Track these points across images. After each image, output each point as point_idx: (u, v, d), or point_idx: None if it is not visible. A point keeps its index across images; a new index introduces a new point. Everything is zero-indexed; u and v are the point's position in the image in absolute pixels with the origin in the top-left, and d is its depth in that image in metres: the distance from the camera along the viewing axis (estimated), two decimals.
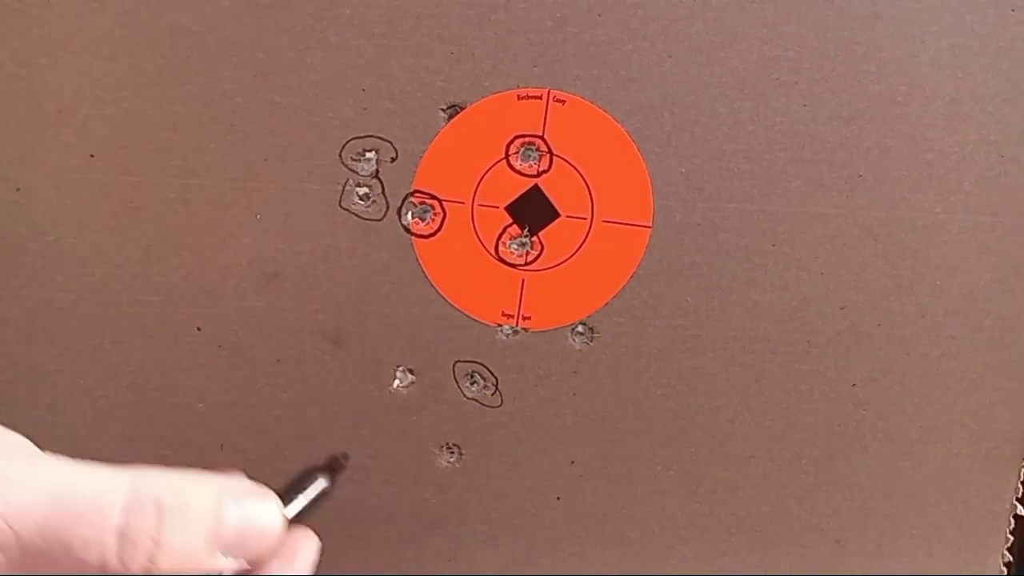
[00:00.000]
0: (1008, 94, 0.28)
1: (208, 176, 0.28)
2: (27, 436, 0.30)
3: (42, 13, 0.26)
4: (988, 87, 0.28)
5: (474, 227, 0.29)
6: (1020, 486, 0.32)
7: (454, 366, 0.30)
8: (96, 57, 0.27)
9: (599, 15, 0.27)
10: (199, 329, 0.29)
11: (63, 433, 0.30)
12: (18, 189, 0.28)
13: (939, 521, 0.32)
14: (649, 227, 0.29)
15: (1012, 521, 0.32)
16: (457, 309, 0.29)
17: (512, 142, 0.28)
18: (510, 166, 0.28)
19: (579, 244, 0.29)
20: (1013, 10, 0.27)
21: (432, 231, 0.29)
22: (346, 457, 0.21)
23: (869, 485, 0.32)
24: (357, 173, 0.28)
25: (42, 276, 0.29)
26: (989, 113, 0.28)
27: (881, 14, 0.27)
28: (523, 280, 0.29)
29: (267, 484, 0.30)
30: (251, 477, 0.30)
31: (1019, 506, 0.32)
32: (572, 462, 0.31)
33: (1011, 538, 0.33)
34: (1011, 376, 0.31)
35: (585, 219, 0.29)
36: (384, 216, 0.29)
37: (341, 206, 0.28)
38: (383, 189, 0.28)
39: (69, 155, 0.28)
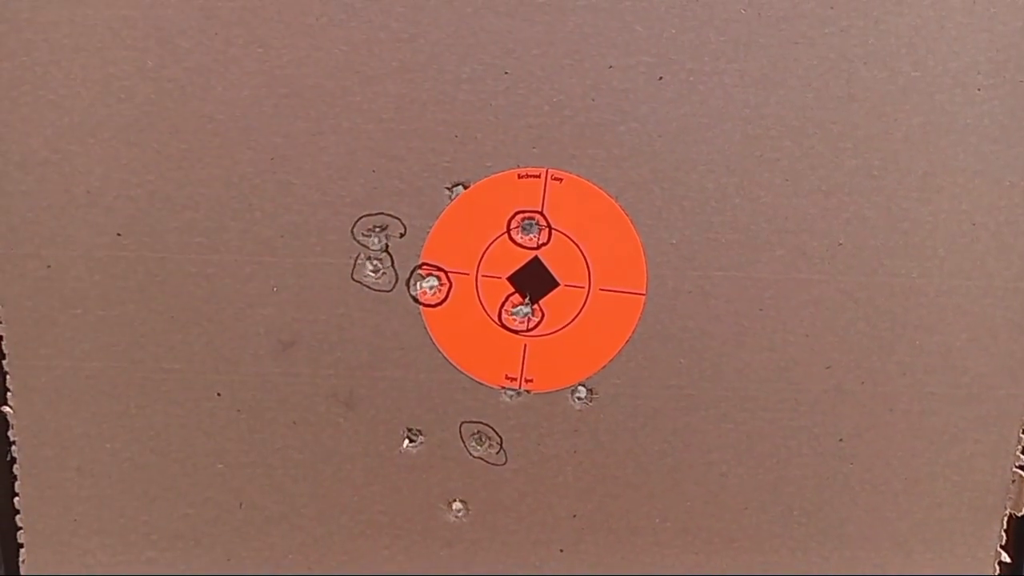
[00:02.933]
0: (977, 167, 0.30)
1: (228, 252, 0.30)
2: (56, 496, 0.31)
3: (73, 103, 0.28)
4: (958, 161, 0.30)
5: (478, 296, 0.30)
6: (1003, 534, 0.33)
7: (461, 426, 0.31)
8: (123, 143, 0.29)
9: (593, 99, 0.29)
10: (219, 394, 0.31)
11: (90, 494, 0.32)
12: (49, 266, 0.30)
13: (926, 569, 0.33)
14: (643, 294, 0.30)
15: (997, 568, 0.33)
16: (463, 373, 0.31)
17: (513, 217, 0.30)
18: (511, 239, 0.30)
19: (577, 311, 0.31)
20: (979, 89, 0.29)
21: (439, 301, 0.30)
22: None
23: (858, 535, 0.33)
24: (368, 247, 0.30)
25: (71, 346, 0.30)
26: (960, 184, 0.30)
27: (856, 95, 0.29)
28: (525, 345, 0.31)
29: (283, 540, 0.32)
30: (268, 533, 0.32)
31: (1003, 553, 0.33)
32: (574, 516, 0.32)
33: None
34: (989, 430, 0.32)
35: (583, 288, 0.30)
36: (394, 287, 0.30)
37: (353, 278, 0.30)
38: (392, 262, 0.30)
39: (97, 234, 0.29)
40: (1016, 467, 0.32)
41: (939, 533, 0.33)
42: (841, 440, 0.32)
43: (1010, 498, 0.33)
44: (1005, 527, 0.33)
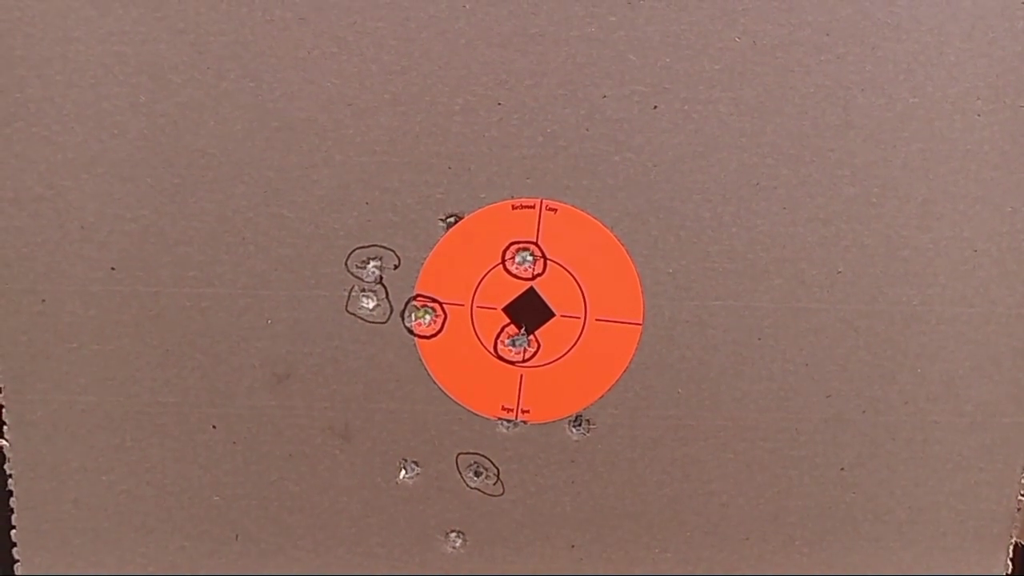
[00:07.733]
0: (978, 193, 0.29)
1: (222, 285, 0.30)
2: (52, 529, 0.31)
3: (67, 139, 0.28)
4: (959, 187, 0.29)
5: (474, 327, 0.30)
6: (1009, 563, 0.33)
7: (457, 458, 0.31)
8: (117, 178, 0.29)
9: (587, 129, 0.29)
10: (214, 427, 0.31)
11: (86, 526, 0.32)
12: (44, 300, 0.29)
13: None
14: (640, 324, 0.30)
15: None
16: (459, 404, 0.31)
17: (508, 248, 0.30)
18: (506, 270, 0.30)
19: (574, 341, 0.30)
20: (979, 115, 0.29)
21: (434, 332, 0.30)
22: None
23: (862, 564, 0.32)
24: (362, 280, 0.30)
25: (66, 380, 0.30)
26: (961, 211, 0.29)
27: (853, 122, 0.29)
28: (521, 376, 0.31)
29: (280, 572, 0.32)
30: (265, 566, 0.32)
31: None
32: (572, 546, 0.32)
33: None
34: (994, 458, 0.31)
35: (579, 318, 0.30)
36: (388, 319, 0.30)
37: (347, 311, 0.30)
38: (387, 294, 0.30)
39: (92, 268, 0.29)
40: (1022, 495, 0.32)
41: (944, 563, 0.32)
42: (843, 469, 0.31)
43: (1016, 527, 0.32)
44: (1011, 556, 0.33)
